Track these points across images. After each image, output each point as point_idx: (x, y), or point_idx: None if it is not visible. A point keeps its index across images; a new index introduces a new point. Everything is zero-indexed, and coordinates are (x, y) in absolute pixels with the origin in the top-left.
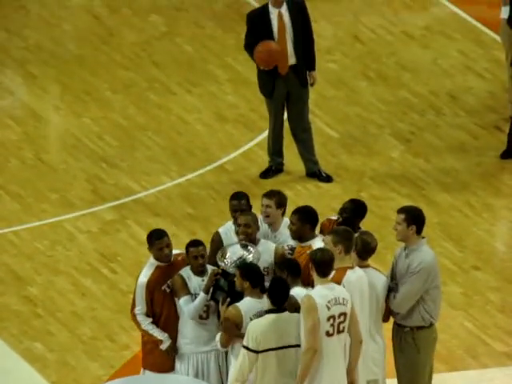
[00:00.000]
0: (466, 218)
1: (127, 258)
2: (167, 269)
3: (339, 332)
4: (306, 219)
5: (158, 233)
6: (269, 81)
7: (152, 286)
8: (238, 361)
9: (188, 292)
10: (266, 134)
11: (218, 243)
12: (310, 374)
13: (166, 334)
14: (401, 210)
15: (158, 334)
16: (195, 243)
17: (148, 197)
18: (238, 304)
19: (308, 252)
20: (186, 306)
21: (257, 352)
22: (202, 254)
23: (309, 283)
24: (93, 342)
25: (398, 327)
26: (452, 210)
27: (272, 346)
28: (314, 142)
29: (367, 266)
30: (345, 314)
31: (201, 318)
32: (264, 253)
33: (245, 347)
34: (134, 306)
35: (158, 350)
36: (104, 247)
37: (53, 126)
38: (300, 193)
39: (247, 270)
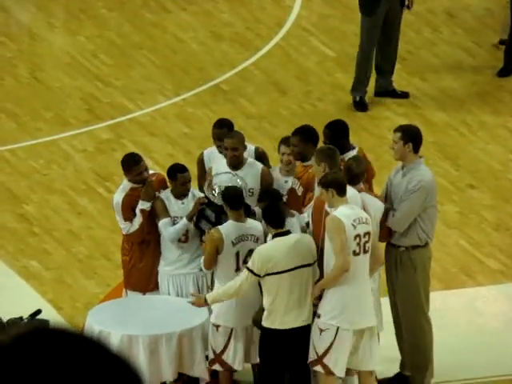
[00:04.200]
0: (462, 137)
1: (123, 178)
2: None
3: (365, 252)
4: (307, 138)
5: (135, 158)
6: None
7: (127, 204)
8: (239, 277)
9: (168, 215)
10: (262, 52)
11: (201, 164)
12: (334, 290)
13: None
14: (397, 129)
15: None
16: (183, 169)
17: (143, 116)
18: (219, 227)
19: (315, 175)
20: (166, 229)
21: (260, 276)
22: (189, 179)
23: (303, 203)
24: (89, 261)
25: (392, 248)
26: (448, 128)
27: (284, 269)
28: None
29: (360, 191)
30: (369, 234)
31: (179, 241)
32: (250, 174)
33: (249, 269)
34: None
35: (137, 270)
36: (100, 166)
37: (47, 44)
38: (296, 112)
39: (226, 192)
